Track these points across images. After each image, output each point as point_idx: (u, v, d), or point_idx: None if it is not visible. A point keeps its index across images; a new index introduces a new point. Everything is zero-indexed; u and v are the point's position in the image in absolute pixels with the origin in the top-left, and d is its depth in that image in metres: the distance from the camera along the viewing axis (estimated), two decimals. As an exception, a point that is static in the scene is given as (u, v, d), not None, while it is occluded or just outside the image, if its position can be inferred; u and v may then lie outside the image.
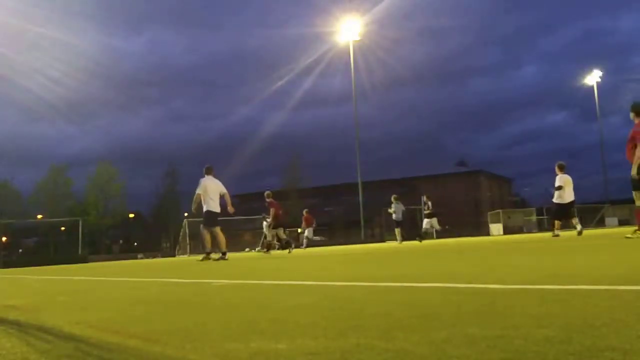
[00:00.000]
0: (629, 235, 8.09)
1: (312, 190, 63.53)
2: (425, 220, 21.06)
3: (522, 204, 71.05)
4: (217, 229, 11.26)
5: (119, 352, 1.54)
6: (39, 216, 53.95)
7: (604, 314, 1.56)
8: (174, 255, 32.72)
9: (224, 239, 11.32)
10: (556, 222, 13.59)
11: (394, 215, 21.24)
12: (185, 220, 35.05)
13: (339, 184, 61.97)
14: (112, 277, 6.78)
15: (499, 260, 5.11)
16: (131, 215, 69.25)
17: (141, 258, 32.67)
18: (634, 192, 8.14)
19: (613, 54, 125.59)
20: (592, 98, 51.03)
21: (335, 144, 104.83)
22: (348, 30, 36.49)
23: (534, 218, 47.86)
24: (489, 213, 48.02)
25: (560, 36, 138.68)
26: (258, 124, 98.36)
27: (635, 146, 7.87)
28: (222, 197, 11.48)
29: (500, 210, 46.41)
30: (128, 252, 52.28)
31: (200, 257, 11.56)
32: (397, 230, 21.52)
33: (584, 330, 1.35)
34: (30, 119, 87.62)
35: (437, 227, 21.78)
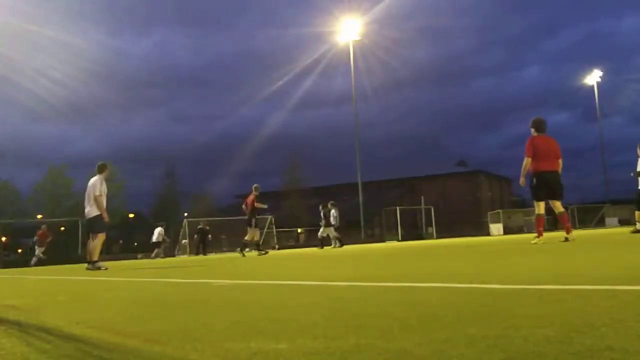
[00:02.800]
0: (534, 242, 8.52)
1: (312, 190, 63.50)
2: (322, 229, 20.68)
3: (522, 204, 71.07)
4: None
5: (119, 352, 1.54)
6: (39, 216, 53.94)
7: (603, 314, 1.56)
8: (173, 255, 32.72)
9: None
10: (637, 213, 11.89)
11: (333, 220, 21.05)
12: (185, 220, 35.11)
13: (339, 184, 61.95)
14: (112, 277, 6.78)
15: (499, 260, 5.11)
16: (131, 215, 69.27)
17: (141, 258, 32.65)
18: (534, 202, 8.88)
19: (616, 55, 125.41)
20: (594, 98, 51.05)
21: (335, 144, 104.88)
22: (348, 30, 36.49)
23: (534, 218, 47.81)
24: (489, 213, 48.00)
25: (563, 37, 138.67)
26: (258, 124, 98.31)
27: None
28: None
29: (500, 210, 46.42)
30: (128, 252, 52.26)
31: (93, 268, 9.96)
32: (334, 235, 21.32)
33: (584, 330, 1.35)
34: (33, 120, 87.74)
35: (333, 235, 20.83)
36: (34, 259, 22.19)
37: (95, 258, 10.05)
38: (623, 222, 40.21)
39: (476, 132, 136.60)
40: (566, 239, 8.36)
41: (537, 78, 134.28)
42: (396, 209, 40.10)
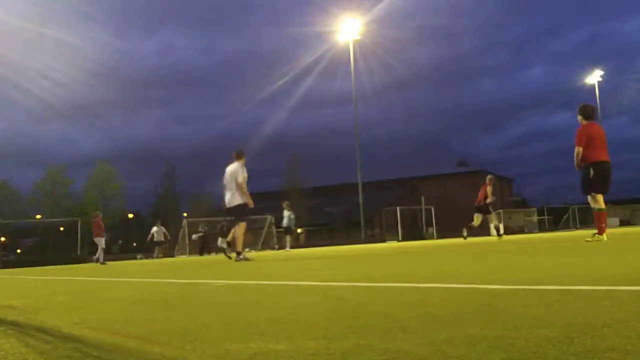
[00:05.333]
0: (589, 239, 8.00)
1: (312, 190, 63.54)
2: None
3: (523, 204, 71.09)
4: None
5: (119, 352, 1.53)
6: (38, 216, 53.97)
7: (604, 315, 1.56)
8: (173, 256, 32.75)
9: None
10: None
11: (285, 222, 20.27)
12: (184, 220, 35.11)
13: (339, 184, 61.98)
14: (112, 278, 6.78)
15: (499, 260, 5.11)
16: (130, 216, 69.29)
17: (140, 258, 32.67)
18: (591, 195, 8.14)
19: (618, 56, 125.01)
20: (595, 99, 51.01)
21: (335, 144, 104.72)
22: (349, 30, 36.51)
23: (535, 218, 47.92)
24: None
25: (565, 39, 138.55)
26: (258, 124, 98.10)
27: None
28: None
29: (501, 211, 46.45)
30: (127, 252, 52.31)
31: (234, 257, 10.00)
32: (288, 238, 20.72)
33: (585, 331, 1.35)
34: (35, 120, 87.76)
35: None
36: (99, 254, 18.15)
37: (240, 249, 9.65)
38: (623, 222, 40.23)
39: (478, 133, 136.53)
40: (594, 236, 7.91)
41: (539, 79, 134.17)
42: (396, 209, 40.11)
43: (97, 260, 17.95)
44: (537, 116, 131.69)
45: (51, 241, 61.15)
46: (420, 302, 2.22)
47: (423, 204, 45.18)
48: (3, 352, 1.60)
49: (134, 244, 72.34)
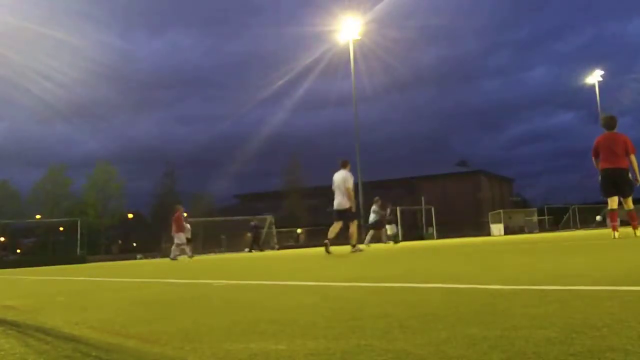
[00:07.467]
0: (613, 237, 8.51)
1: (312, 190, 63.54)
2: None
3: (523, 204, 71.08)
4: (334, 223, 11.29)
5: (119, 352, 1.53)
6: (38, 216, 53.97)
7: (604, 315, 1.56)
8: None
9: (331, 232, 11.37)
10: None
11: (372, 218, 20.78)
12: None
13: (339, 184, 61.84)
14: (111, 278, 6.78)
15: (499, 260, 5.10)
16: (130, 216, 69.33)
17: (140, 258, 32.64)
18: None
19: (622, 57, 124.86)
20: (596, 99, 50.95)
21: (336, 144, 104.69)
22: (349, 30, 36.47)
23: (535, 218, 47.89)
24: (489, 213, 48.00)
25: (569, 40, 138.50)
26: (259, 124, 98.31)
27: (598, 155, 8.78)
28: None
29: (501, 211, 46.43)
30: (127, 253, 52.34)
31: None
32: (373, 233, 20.71)
33: (585, 331, 1.35)
34: (36, 120, 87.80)
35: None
36: (176, 251, 17.38)
37: (355, 242, 11.25)
38: (624, 223, 40.21)
39: (478, 132, 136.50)
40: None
41: (540, 79, 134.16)
42: (396, 209, 40.07)
43: (175, 257, 17.11)
44: (538, 116, 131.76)
45: (51, 241, 61.14)
46: (420, 302, 2.22)
47: (423, 204, 45.14)
48: (3, 352, 1.60)
49: (134, 244, 72.30)
